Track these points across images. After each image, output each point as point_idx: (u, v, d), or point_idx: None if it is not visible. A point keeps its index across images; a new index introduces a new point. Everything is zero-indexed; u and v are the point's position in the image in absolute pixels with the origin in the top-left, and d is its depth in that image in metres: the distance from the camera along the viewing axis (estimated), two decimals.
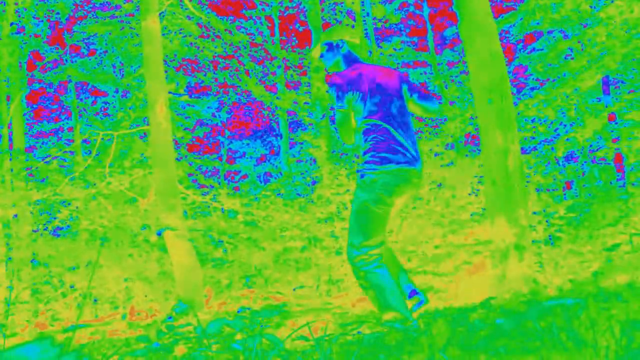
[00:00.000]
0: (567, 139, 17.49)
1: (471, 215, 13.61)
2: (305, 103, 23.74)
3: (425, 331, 3.56)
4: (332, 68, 5.43)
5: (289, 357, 3.28)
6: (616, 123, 18.35)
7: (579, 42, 16.89)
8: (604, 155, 18.72)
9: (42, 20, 23.01)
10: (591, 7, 16.17)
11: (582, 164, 22.35)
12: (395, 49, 27.29)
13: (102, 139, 14.87)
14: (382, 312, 4.81)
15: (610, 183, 19.85)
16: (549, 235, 13.52)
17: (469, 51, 9.18)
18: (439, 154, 15.67)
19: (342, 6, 24.50)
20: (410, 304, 5.22)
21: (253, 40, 25.65)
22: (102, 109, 27.23)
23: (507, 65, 9.47)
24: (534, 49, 21.96)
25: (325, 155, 15.76)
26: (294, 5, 27.74)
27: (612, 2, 15.04)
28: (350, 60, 5.37)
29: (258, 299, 13.04)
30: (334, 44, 5.41)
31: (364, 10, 20.51)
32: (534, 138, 19.09)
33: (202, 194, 16.15)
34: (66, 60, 25.09)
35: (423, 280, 12.55)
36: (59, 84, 26.75)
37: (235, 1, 27.92)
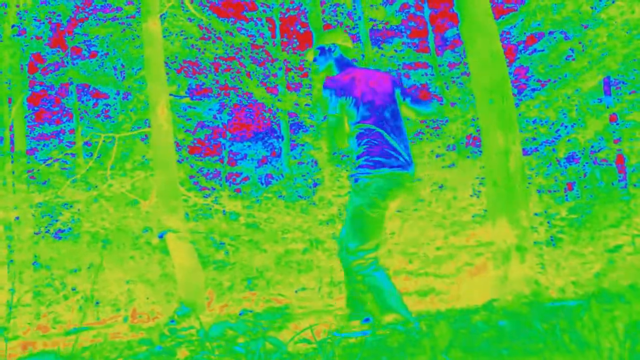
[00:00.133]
0: (569, 140, 17.48)
1: (472, 216, 13.59)
2: (306, 105, 23.75)
3: (427, 333, 3.56)
4: (324, 72, 5.43)
5: None
6: (617, 124, 18.33)
7: (580, 43, 16.89)
8: (605, 156, 18.71)
9: (44, 23, 23.02)
10: (592, 8, 16.17)
11: (584, 165, 22.32)
12: (396, 51, 27.28)
13: (104, 141, 14.88)
14: (382, 315, 4.81)
15: (612, 184, 19.83)
16: (551, 237, 13.51)
17: (470, 52, 9.18)
18: (440, 156, 15.66)
19: (343, 8, 24.51)
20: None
21: (254, 42, 25.66)
22: (104, 111, 27.24)
23: (508, 66, 9.48)
24: (535, 50, 21.95)
25: (326, 157, 15.76)
26: (295, 7, 27.75)
27: (613, 2, 15.04)
28: (343, 64, 5.37)
29: (260, 301, 13.03)
30: (326, 48, 5.41)
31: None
32: (535, 139, 19.08)
33: (204, 196, 16.16)
34: (67, 63, 25.10)
35: (425, 282, 12.55)
36: (60, 86, 26.75)
37: (236, 3, 27.93)
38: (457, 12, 9.34)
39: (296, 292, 13.69)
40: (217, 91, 26.70)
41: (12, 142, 18.79)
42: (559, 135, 19.27)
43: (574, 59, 17.15)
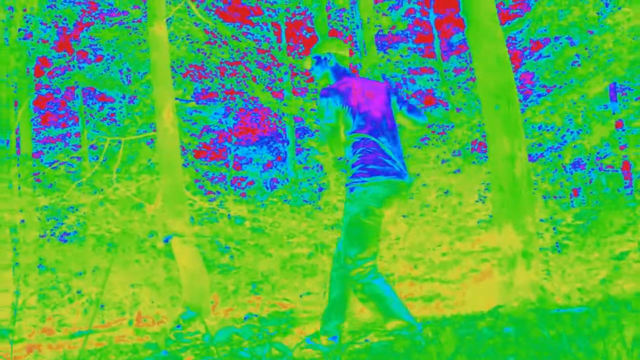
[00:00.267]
0: (574, 146, 17.45)
1: (478, 222, 13.57)
2: (312, 109, 23.75)
3: (433, 339, 3.55)
4: (321, 81, 5.44)
5: None
6: (623, 130, 18.31)
7: (586, 48, 16.87)
8: (611, 162, 18.68)
9: (50, 26, 23.06)
10: (598, 13, 16.16)
11: (590, 171, 22.32)
12: (402, 56, 27.24)
13: (110, 144, 14.90)
14: (385, 322, 4.80)
15: (618, 190, 19.80)
16: (557, 243, 13.50)
17: (476, 57, 9.18)
18: (446, 161, 15.63)
19: (349, 13, 24.50)
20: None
21: (260, 46, 25.67)
22: (109, 114, 27.28)
23: (513, 71, 9.47)
24: (540, 56, 21.93)
25: (332, 162, 15.75)
26: (301, 11, 27.76)
27: (620, 9, 15.02)
28: (340, 73, 5.38)
29: (265, 305, 13.03)
30: (322, 57, 5.42)
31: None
32: (541, 145, 19.06)
33: (209, 200, 16.16)
34: (73, 66, 25.13)
35: (430, 288, 12.53)
36: (66, 89, 26.80)
37: (242, 7, 27.96)
38: (463, 17, 9.34)
39: (301, 296, 13.69)
40: (222, 95, 26.75)
41: (18, 145, 18.82)
42: (565, 141, 19.25)
43: (579, 65, 17.13)
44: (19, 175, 17.05)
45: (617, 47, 15.06)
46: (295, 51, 30.15)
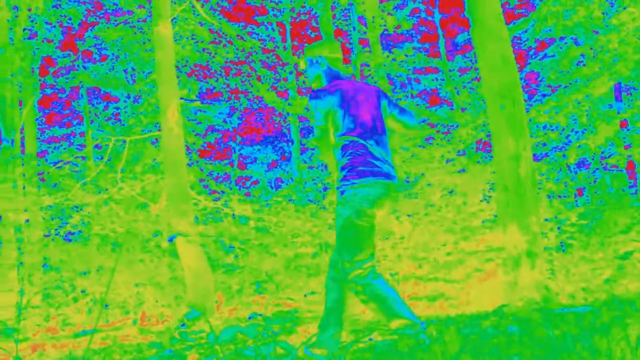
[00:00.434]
0: (579, 146, 17.43)
1: (483, 222, 13.57)
2: None
3: (437, 339, 3.55)
4: (314, 83, 5.47)
5: None
6: (628, 130, 18.28)
7: (591, 48, 16.85)
8: (615, 162, 18.64)
9: (55, 26, 23.08)
10: (604, 13, 16.13)
11: (594, 171, 22.29)
12: (407, 55, 27.23)
13: (114, 144, 14.91)
14: (388, 321, 4.81)
15: (622, 190, 19.79)
16: (561, 242, 13.48)
17: (481, 57, 9.18)
18: (451, 161, 15.64)
19: (353, 12, 24.50)
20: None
21: (265, 46, 25.67)
22: (114, 114, 27.28)
23: (518, 71, 9.46)
24: (545, 55, 21.91)
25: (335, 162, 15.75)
26: (306, 11, 27.77)
27: (625, 9, 15.00)
28: (332, 76, 5.39)
29: (269, 305, 13.04)
30: (314, 60, 5.44)
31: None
32: (545, 145, 19.05)
33: (214, 200, 16.16)
34: (78, 66, 25.14)
35: (434, 287, 12.53)
36: (71, 89, 26.83)
37: (247, 7, 27.96)
38: (468, 16, 9.34)
39: (305, 296, 13.69)
40: (227, 95, 26.72)
41: (22, 144, 18.84)
42: (570, 141, 19.23)
43: (584, 65, 17.11)
44: (24, 175, 17.07)
45: (622, 47, 15.04)
46: (300, 51, 30.12)
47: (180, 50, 19.36)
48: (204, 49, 21.94)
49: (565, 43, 19.79)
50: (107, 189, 15.40)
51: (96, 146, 23.14)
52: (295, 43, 30.02)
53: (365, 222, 4.96)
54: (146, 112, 20.49)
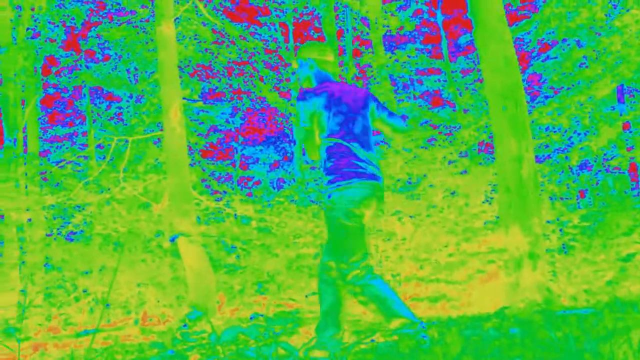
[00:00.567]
0: (581, 148, 17.42)
1: (485, 223, 13.57)
2: None
3: (439, 340, 3.55)
4: (304, 84, 5.51)
5: None
6: (630, 132, 18.29)
7: (593, 50, 16.84)
8: (618, 164, 18.63)
9: (58, 26, 23.09)
10: (607, 15, 16.12)
11: (596, 173, 22.27)
12: (409, 56, 27.22)
13: (117, 144, 14.92)
14: (388, 322, 4.81)
15: (625, 192, 19.77)
16: (563, 244, 13.48)
17: (483, 58, 9.18)
18: (453, 162, 15.63)
19: (356, 13, 24.51)
20: None
21: (267, 46, 25.69)
22: (117, 114, 27.29)
23: (521, 73, 9.46)
24: (548, 57, 21.90)
25: None
26: (308, 11, 27.78)
27: (628, 11, 14.99)
28: (321, 78, 5.43)
29: (271, 305, 13.04)
30: (304, 62, 5.48)
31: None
32: (547, 146, 19.04)
33: (216, 200, 16.15)
34: (81, 65, 25.17)
35: (436, 289, 12.53)
36: (73, 88, 26.84)
37: (249, 7, 27.97)
38: (471, 18, 9.34)
39: (307, 296, 13.69)
40: (230, 95, 26.75)
41: (25, 144, 18.85)
42: (572, 143, 19.22)
43: (587, 67, 17.10)
44: (26, 174, 17.09)
45: (625, 49, 15.03)
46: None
47: (183, 50, 19.37)
48: (206, 49, 21.96)
49: (568, 45, 19.77)
50: (109, 189, 15.41)
51: (98, 146, 23.16)
52: (298, 44, 30.01)
53: (355, 222, 4.99)
54: (149, 112, 20.51)
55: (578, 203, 21.29)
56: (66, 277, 15.48)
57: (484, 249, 12.69)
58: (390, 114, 5.44)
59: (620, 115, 18.63)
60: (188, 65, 22.11)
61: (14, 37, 18.46)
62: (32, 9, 19.45)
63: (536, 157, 10.51)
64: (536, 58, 22.92)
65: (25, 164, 17.48)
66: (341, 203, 4.97)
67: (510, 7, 23.72)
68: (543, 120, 16.64)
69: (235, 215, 15.98)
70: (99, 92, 27.18)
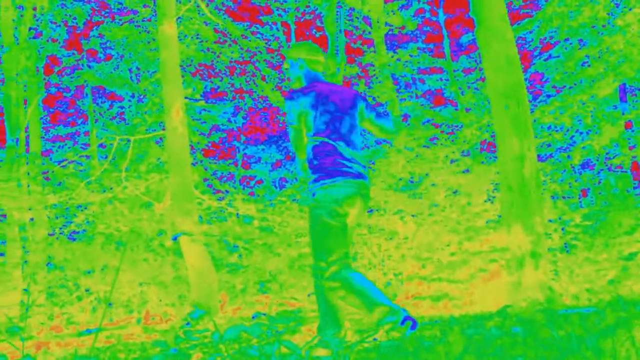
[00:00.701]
0: (584, 147, 17.41)
1: (487, 222, 13.57)
2: None
3: (441, 339, 3.56)
4: (294, 84, 5.55)
5: None
6: (633, 131, 18.28)
7: (596, 49, 16.83)
8: (620, 163, 18.65)
9: (60, 25, 23.09)
10: (609, 14, 16.11)
11: (599, 172, 22.24)
12: (411, 55, 27.21)
13: (119, 143, 14.92)
14: (370, 313, 4.82)
15: (627, 191, 19.75)
16: (565, 243, 13.47)
17: (485, 57, 9.17)
18: (455, 161, 15.63)
19: (358, 13, 24.50)
20: None
21: (269, 45, 25.66)
22: (119, 113, 27.29)
23: (523, 72, 9.46)
24: (550, 56, 21.88)
25: None
26: (310, 11, 27.75)
27: (631, 10, 14.98)
28: (310, 77, 5.49)
29: (273, 304, 13.05)
30: (293, 62, 5.53)
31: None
32: (550, 145, 19.03)
33: (218, 199, 16.16)
34: (83, 65, 25.20)
35: (438, 288, 12.53)
36: (75, 88, 26.87)
37: (251, 7, 27.96)
38: (473, 17, 9.34)
39: (309, 295, 13.69)
40: (232, 94, 26.77)
41: (27, 143, 18.86)
42: (574, 142, 19.21)
43: (589, 66, 17.09)
44: (28, 174, 17.10)
45: (628, 48, 15.03)
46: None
47: (185, 49, 19.38)
48: (208, 49, 21.96)
49: (570, 44, 19.76)
50: (111, 188, 15.42)
51: (100, 145, 23.17)
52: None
53: (338, 221, 5.04)
54: (150, 112, 20.52)
55: (580, 202, 21.28)
56: (68, 276, 15.49)
57: (486, 248, 12.68)
58: (379, 114, 5.49)
59: (623, 114, 18.62)
60: (190, 65, 22.13)
61: (16, 37, 18.47)
62: (34, 9, 19.46)
63: (538, 156, 10.50)
64: (538, 57, 22.91)
65: (27, 163, 17.50)
66: (325, 202, 5.03)
67: (512, 6, 23.72)
68: (545, 119, 16.64)
69: (238, 214, 15.99)
70: (101, 91, 27.21)
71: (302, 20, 28.81)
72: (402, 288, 13.24)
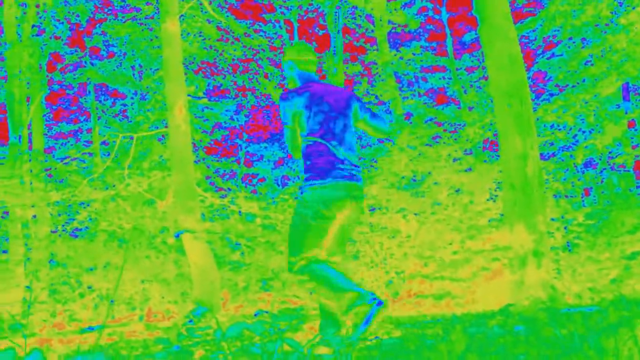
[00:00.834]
0: (586, 146, 17.41)
1: (489, 221, 13.57)
2: None
3: (444, 337, 3.56)
4: (289, 85, 5.59)
5: None
6: (636, 130, 18.27)
7: (599, 48, 16.81)
8: (623, 162, 18.62)
9: (63, 22, 23.10)
10: (612, 13, 16.10)
11: (601, 171, 22.24)
12: (414, 54, 27.20)
13: (121, 140, 14.94)
14: (339, 301, 4.84)
15: (629, 190, 19.75)
16: (567, 242, 13.46)
17: (488, 55, 9.17)
18: (458, 159, 15.63)
19: (361, 11, 24.50)
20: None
21: (272, 43, 25.67)
22: (121, 110, 27.31)
23: (526, 70, 9.45)
24: (553, 55, 21.87)
25: None
26: (313, 9, 27.74)
27: (634, 8, 14.97)
28: (304, 78, 5.51)
29: (275, 302, 13.05)
30: (285, 64, 5.58)
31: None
32: (552, 144, 19.02)
33: (220, 197, 16.18)
34: (86, 62, 25.18)
35: (441, 286, 12.53)
36: (78, 85, 26.86)
37: (254, 5, 27.94)
38: (476, 15, 9.33)
39: (311, 293, 13.70)
40: (234, 92, 26.74)
41: (30, 140, 18.87)
42: (577, 141, 19.20)
43: (592, 64, 17.08)
44: (31, 171, 17.10)
45: (631, 46, 15.01)
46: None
47: (188, 47, 19.38)
48: (211, 46, 21.97)
49: (574, 42, 19.75)
50: (114, 186, 15.44)
51: (103, 143, 23.20)
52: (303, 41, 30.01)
53: (321, 223, 5.04)
54: (153, 109, 20.52)
55: (583, 201, 21.29)
56: (71, 273, 15.51)
57: (488, 247, 12.69)
58: (373, 115, 5.50)
59: (626, 113, 18.62)
60: (193, 63, 22.13)
61: (19, 34, 18.48)
62: (37, 6, 19.48)
63: (541, 154, 10.51)
64: (541, 55, 22.90)
65: (30, 160, 17.51)
66: (312, 201, 5.03)
67: (515, 5, 23.70)
68: (548, 117, 16.63)
69: (240, 212, 16.00)
70: (103, 89, 27.22)
71: (304, 18, 28.79)
72: (404, 286, 13.24)
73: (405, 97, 26.69)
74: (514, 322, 4.81)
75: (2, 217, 16.88)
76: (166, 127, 13.51)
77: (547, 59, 21.84)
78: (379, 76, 24.67)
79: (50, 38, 22.14)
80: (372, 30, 24.83)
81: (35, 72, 19.37)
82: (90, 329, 11.26)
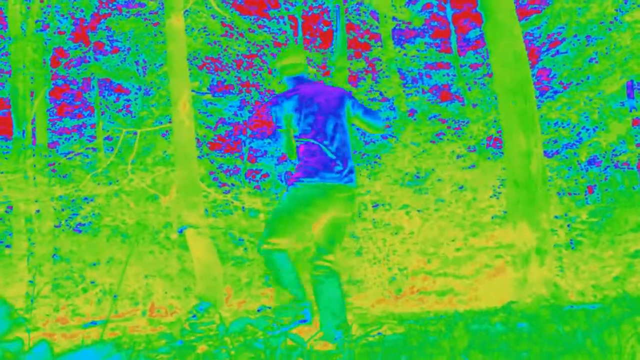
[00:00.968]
0: (590, 143, 17.39)
1: (492, 218, 13.56)
2: None
3: (446, 334, 3.56)
4: (283, 88, 5.66)
5: (312, 358, 3.29)
6: None
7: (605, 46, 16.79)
8: (627, 159, 18.59)
9: (67, 18, 23.12)
10: (617, 10, 16.07)
11: (605, 169, 22.20)
12: (418, 50, 27.15)
13: (125, 136, 14.95)
14: (278, 296, 4.96)
15: (633, 188, 19.71)
16: (571, 240, 13.46)
17: (493, 52, 9.17)
18: (461, 156, 15.62)
19: (366, 7, 24.48)
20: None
21: (276, 39, 25.67)
22: (125, 106, 27.29)
23: (530, 67, 9.45)
24: (558, 52, 21.83)
25: None
26: (318, 4, 27.73)
27: (639, 6, 14.95)
28: (296, 81, 5.55)
29: (278, 297, 13.04)
30: (276, 71, 5.67)
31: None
32: (556, 141, 19.00)
33: (224, 192, 16.19)
34: (90, 57, 25.19)
35: (444, 283, 12.53)
36: (82, 80, 26.85)
37: (259, 0, 27.95)
38: (481, 12, 9.33)
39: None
40: (238, 88, 26.74)
41: (34, 135, 18.89)
42: (581, 138, 19.19)
43: (597, 62, 17.06)
44: (35, 166, 17.12)
45: (635, 44, 15.00)
46: (312, 45, 30.12)
47: (192, 42, 19.39)
48: (215, 42, 21.97)
49: (578, 40, 19.73)
50: (117, 181, 15.45)
51: (107, 138, 23.20)
52: (307, 37, 30.00)
53: (301, 217, 5.13)
54: (157, 104, 20.54)
55: (586, 199, 21.24)
56: (74, 268, 15.53)
57: (491, 244, 12.69)
58: (366, 111, 5.52)
59: (630, 111, 18.57)
60: (197, 58, 22.15)
61: (23, 29, 18.50)
62: (42, 1, 19.49)
63: (545, 152, 10.50)
64: (546, 53, 22.87)
65: (34, 155, 17.52)
66: (296, 197, 5.14)
67: (520, 2, 23.68)
68: (552, 115, 16.62)
69: (243, 207, 16.01)
70: (107, 84, 27.20)
71: (309, 14, 28.77)
72: (407, 283, 13.25)
73: (409, 93, 26.65)
74: (516, 319, 4.81)
75: (5, 211, 16.90)
76: (170, 122, 13.52)
77: (552, 56, 21.81)
78: (383, 73, 24.68)
79: (55, 33, 22.16)
80: (377, 27, 24.84)
81: (39, 67, 19.39)
82: (93, 323, 11.28)
